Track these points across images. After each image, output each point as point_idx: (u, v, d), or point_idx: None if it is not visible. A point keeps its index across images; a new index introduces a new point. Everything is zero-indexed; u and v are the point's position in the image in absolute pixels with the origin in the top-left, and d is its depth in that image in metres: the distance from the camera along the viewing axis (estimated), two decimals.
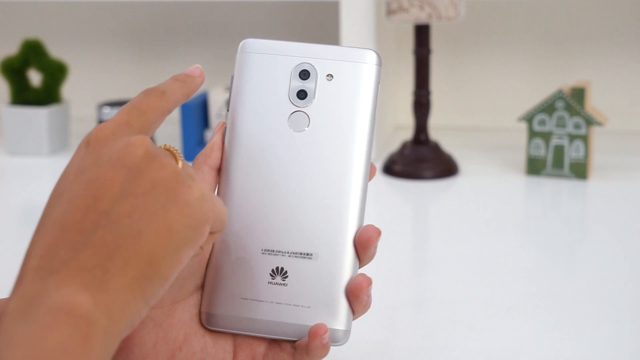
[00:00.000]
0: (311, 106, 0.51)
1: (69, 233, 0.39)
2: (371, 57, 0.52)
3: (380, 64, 0.52)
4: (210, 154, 0.52)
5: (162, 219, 0.40)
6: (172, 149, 0.46)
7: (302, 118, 0.51)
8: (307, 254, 0.50)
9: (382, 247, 0.85)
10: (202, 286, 0.51)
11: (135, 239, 0.39)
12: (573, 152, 1.05)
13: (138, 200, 0.40)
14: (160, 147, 0.45)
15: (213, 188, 0.52)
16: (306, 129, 0.51)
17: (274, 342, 0.51)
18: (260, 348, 0.51)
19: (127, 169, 0.41)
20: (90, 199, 0.40)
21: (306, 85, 0.52)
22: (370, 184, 0.51)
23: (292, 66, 0.52)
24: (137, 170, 0.41)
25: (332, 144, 0.51)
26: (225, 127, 0.52)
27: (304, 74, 0.52)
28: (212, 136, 0.53)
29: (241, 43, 0.53)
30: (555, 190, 1.02)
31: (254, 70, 0.52)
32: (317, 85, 0.52)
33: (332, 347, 0.50)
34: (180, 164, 0.44)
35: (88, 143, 0.43)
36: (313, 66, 0.52)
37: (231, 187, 0.51)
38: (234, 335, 0.51)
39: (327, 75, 0.52)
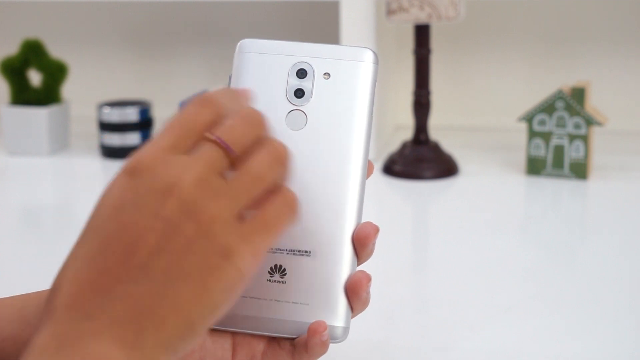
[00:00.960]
0: (308, 105, 0.51)
1: (104, 278, 0.39)
2: (368, 56, 0.52)
3: (377, 62, 0.52)
4: None
5: (199, 281, 0.40)
6: (216, 141, 0.42)
7: (299, 117, 0.51)
8: (306, 252, 0.50)
9: (382, 247, 0.85)
10: None
11: (172, 300, 0.39)
12: (573, 152, 1.05)
13: (174, 257, 0.40)
14: (206, 141, 0.42)
15: None
16: (304, 127, 0.51)
17: (273, 340, 0.51)
18: (260, 346, 0.51)
19: (164, 222, 0.40)
20: (126, 245, 0.40)
21: (303, 84, 0.52)
22: (369, 184, 0.51)
23: (290, 65, 0.52)
24: (173, 225, 0.40)
25: (329, 142, 0.51)
26: None
27: (301, 73, 0.52)
28: None
29: (239, 43, 0.53)
30: (555, 190, 1.02)
31: (251, 70, 0.52)
32: (314, 84, 0.52)
33: (331, 345, 0.50)
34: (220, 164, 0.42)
35: (130, 172, 0.41)
36: (310, 65, 0.52)
37: None
38: (233, 333, 0.51)
39: (324, 74, 0.52)
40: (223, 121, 0.44)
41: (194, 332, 0.40)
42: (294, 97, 0.52)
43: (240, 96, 0.47)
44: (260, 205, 0.43)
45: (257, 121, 0.45)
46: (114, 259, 0.39)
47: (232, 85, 0.52)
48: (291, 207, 0.44)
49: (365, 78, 0.52)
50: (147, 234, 0.40)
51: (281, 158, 0.44)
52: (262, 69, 0.52)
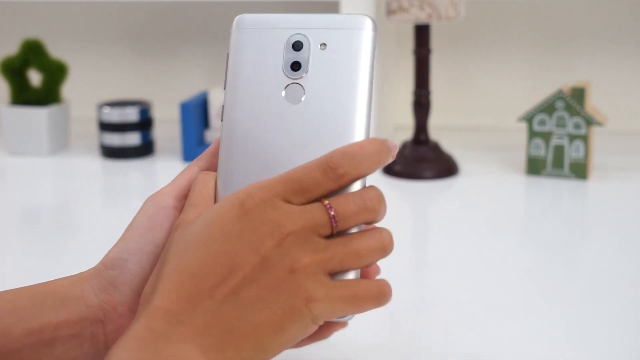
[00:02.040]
0: (306, 77, 0.51)
1: (200, 293, 0.44)
2: (365, 23, 0.51)
3: (375, 29, 0.51)
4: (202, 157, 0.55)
5: (279, 319, 0.45)
6: (325, 209, 0.47)
7: (297, 90, 0.51)
8: None
9: None
10: None
11: (252, 327, 0.45)
12: (573, 152, 1.05)
13: (263, 292, 0.45)
14: (318, 205, 0.47)
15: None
16: (302, 100, 0.50)
17: None
18: None
19: (262, 258, 0.45)
20: (224, 270, 0.45)
21: (300, 56, 0.51)
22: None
23: (285, 38, 0.51)
24: (269, 263, 0.45)
25: (329, 114, 0.50)
26: (223, 107, 0.52)
27: (297, 45, 0.51)
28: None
29: (235, 19, 0.53)
30: (555, 190, 1.02)
31: (248, 45, 0.52)
32: (310, 56, 0.51)
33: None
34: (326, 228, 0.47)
35: (242, 206, 0.46)
36: (306, 36, 0.51)
37: (230, 162, 0.51)
38: None
39: (321, 45, 0.51)
40: (344, 190, 0.48)
41: (264, 356, 0.45)
42: (291, 71, 0.51)
43: (371, 166, 0.49)
44: (358, 280, 0.48)
45: (374, 208, 0.48)
46: (212, 280, 0.45)
47: (230, 62, 0.52)
48: (382, 298, 0.49)
49: (364, 46, 0.50)
50: (244, 265, 0.45)
51: (387, 248, 0.49)
52: (259, 44, 0.52)
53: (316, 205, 0.47)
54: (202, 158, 0.55)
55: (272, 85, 0.51)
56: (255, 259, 0.45)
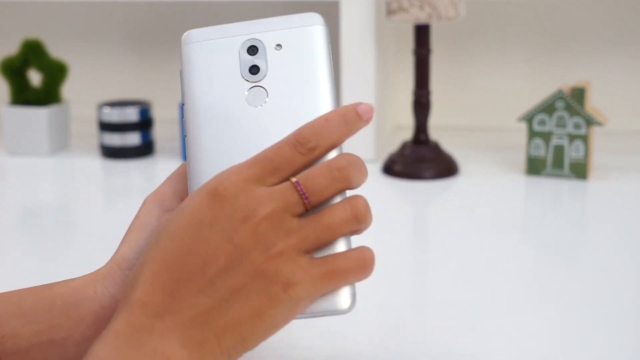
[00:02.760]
0: (266, 79, 0.51)
1: (177, 285, 0.44)
2: (315, 19, 0.51)
3: (325, 24, 0.52)
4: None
5: (257, 308, 0.44)
6: (294, 185, 0.46)
7: (259, 92, 0.51)
8: None
9: (382, 247, 0.85)
10: None
11: (231, 317, 0.44)
12: (573, 152, 1.05)
13: (239, 281, 0.44)
14: (287, 184, 0.46)
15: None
16: (266, 101, 0.50)
17: None
18: None
19: (235, 246, 0.45)
20: (199, 260, 0.44)
21: (256, 60, 0.51)
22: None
23: (239, 45, 0.51)
24: (243, 252, 0.45)
25: (294, 112, 0.50)
26: (184, 122, 0.52)
27: (252, 50, 0.51)
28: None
29: (183, 36, 0.53)
30: (555, 190, 1.02)
31: (201, 58, 0.52)
32: (267, 58, 0.51)
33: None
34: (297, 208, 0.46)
35: (212, 194, 0.46)
36: (259, 40, 0.51)
37: (198, 174, 0.50)
38: None
39: (276, 46, 0.51)
40: (312, 165, 0.47)
41: (245, 347, 0.45)
42: (250, 75, 0.51)
43: (341, 135, 0.48)
44: (336, 254, 0.47)
45: (344, 177, 0.47)
46: (187, 271, 0.44)
47: (185, 78, 0.52)
48: (364, 266, 0.47)
49: (318, 42, 0.51)
50: (219, 254, 0.44)
51: (359, 216, 0.47)
52: (212, 54, 0.52)
53: (285, 184, 0.46)
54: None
55: (232, 92, 0.51)
56: (229, 247, 0.44)
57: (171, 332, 0.43)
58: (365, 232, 0.49)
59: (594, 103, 1.29)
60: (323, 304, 0.47)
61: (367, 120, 0.49)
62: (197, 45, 0.52)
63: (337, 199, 0.47)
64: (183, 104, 0.52)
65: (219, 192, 0.45)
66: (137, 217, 0.53)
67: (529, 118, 1.07)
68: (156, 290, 0.44)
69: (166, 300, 0.44)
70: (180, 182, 0.54)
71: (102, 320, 0.51)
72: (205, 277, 0.44)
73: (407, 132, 1.30)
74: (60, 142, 1.26)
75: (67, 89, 1.45)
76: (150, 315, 0.43)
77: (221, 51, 0.52)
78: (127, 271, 0.52)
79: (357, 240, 0.49)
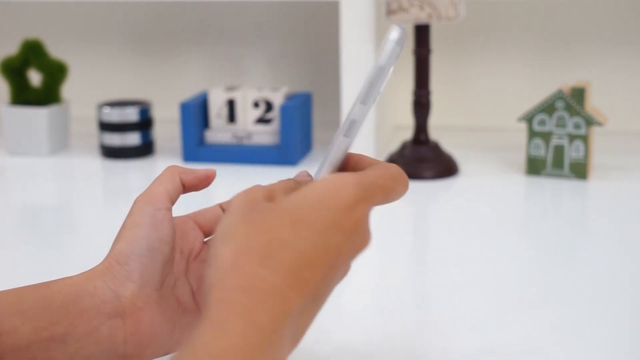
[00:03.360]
0: None
1: (309, 278, 0.45)
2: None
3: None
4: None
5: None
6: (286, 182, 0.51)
7: None
8: None
9: (382, 247, 0.85)
10: None
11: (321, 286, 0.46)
12: (573, 152, 1.05)
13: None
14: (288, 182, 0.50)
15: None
16: None
17: None
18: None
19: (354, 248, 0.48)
20: (330, 262, 0.46)
21: None
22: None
23: None
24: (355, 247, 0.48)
25: None
26: (352, 121, 0.52)
27: None
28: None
29: (399, 31, 0.51)
30: (555, 190, 1.02)
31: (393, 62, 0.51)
32: None
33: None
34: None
35: (244, 203, 0.47)
36: None
37: None
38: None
39: None
40: None
41: (318, 308, 0.47)
42: None
43: None
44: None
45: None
46: (321, 270, 0.46)
47: (383, 77, 0.51)
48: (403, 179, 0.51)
49: None
50: (346, 260, 0.47)
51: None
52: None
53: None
54: (187, 172, 0.57)
55: None
56: (353, 252, 0.48)
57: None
58: None
59: (594, 103, 1.29)
60: None
61: None
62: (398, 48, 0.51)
63: None
64: (363, 101, 0.51)
65: (249, 198, 0.47)
66: (130, 215, 0.55)
67: (529, 118, 1.07)
68: (289, 276, 0.45)
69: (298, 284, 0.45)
70: (169, 182, 0.56)
71: (103, 315, 0.52)
72: (329, 275, 0.46)
73: (407, 132, 1.30)
74: (60, 142, 1.26)
75: (67, 89, 1.45)
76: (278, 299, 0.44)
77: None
78: (125, 266, 0.53)
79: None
